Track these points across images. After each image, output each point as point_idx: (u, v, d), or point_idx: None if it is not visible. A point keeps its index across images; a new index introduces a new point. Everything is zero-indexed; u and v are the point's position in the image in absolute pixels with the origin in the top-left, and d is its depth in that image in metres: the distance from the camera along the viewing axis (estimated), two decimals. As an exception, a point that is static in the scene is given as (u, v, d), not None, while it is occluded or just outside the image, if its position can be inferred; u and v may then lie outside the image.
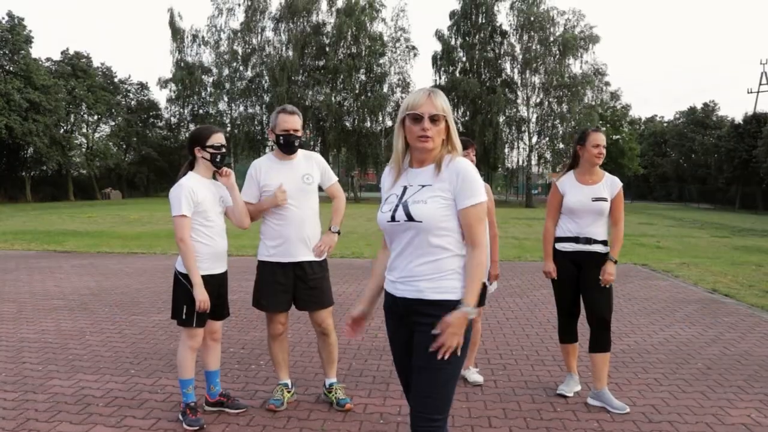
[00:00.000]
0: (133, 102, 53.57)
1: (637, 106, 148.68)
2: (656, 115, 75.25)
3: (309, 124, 49.08)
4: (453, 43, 48.79)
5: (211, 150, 3.92)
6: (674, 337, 6.23)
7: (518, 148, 50.47)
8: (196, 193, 3.85)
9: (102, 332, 6.26)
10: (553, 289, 4.49)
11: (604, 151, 4.29)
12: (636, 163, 54.18)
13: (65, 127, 44.51)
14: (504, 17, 73.22)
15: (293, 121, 4.08)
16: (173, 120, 52.05)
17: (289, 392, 4.31)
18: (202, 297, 3.78)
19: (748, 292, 8.96)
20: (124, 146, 52.20)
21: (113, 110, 47.95)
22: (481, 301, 4.66)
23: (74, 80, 43.58)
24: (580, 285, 4.32)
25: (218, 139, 3.93)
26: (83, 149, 46.14)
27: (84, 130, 47.01)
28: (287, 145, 4.10)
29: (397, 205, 2.48)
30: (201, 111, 50.47)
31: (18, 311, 7.22)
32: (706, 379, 4.89)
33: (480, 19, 47.83)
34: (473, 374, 4.74)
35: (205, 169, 3.98)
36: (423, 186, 2.47)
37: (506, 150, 49.37)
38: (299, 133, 4.11)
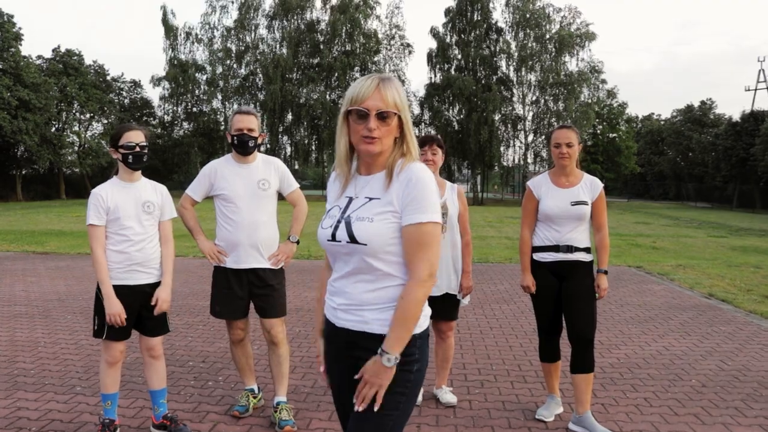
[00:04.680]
0: (126, 100, 53.04)
1: (634, 104, 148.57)
2: (653, 113, 75.02)
3: (303, 122, 48.76)
4: (448, 40, 48.56)
5: (123, 150, 3.57)
6: (667, 349, 5.83)
7: (514, 146, 50.29)
8: (107, 199, 3.56)
9: (57, 343, 5.86)
10: (532, 303, 4.08)
11: (567, 150, 3.84)
12: (633, 161, 53.86)
13: (57, 126, 44.00)
14: (499, 14, 73.25)
15: (247, 121, 3.91)
16: (167, 118, 51.58)
17: (255, 398, 4.18)
18: (111, 310, 3.50)
19: (746, 297, 8.58)
20: (117, 144, 51.63)
21: (106, 108, 47.42)
22: (453, 315, 4.28)
23: (66, 78, 43.11)
24: (561, 298, 3.90)
25: (131, 137, 3.56)
26: (75, 148, 45.63)
27: (76, 129, 46.50)
28: (241, 145, 3.90)
29: (339, 221, 2.03)
30: (195, 109, 50.20)
31: (-26, 319, 6.82)
32: (701, 398, 4.49)
33: (475, 16, 47.61)
34: (446, 394, 4.34)
35: (124, 171, 3.65)
36: (370, 199, 2.01)
37: (502, 148, 49.13)
38: (254, 133, 3.91)
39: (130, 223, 3.57)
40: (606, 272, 3.90)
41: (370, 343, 1.97)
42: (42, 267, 10.80)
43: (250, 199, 3.90)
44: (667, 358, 5.55)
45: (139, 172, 3.70)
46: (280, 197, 4.14)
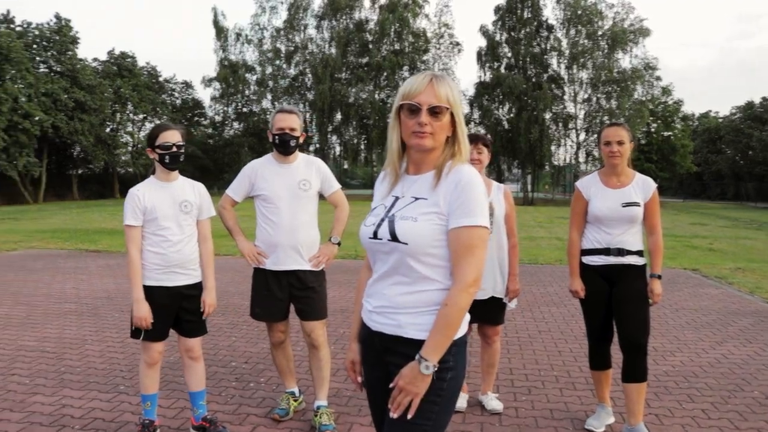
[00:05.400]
0: (177, 101, 54.11)
1: (690, 102, 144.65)
2: (710, 111, 72.90)
3: (352, 122, 48.93)
4: (498, 38, 48.04)
5: (159, 150, 3.53)
6: (726, 357, 5.56)
7: (565, 145, 49.47)
8: (144, 199, 3.52)
9: (103, 341, 5.92)
10: (582, 308, 3.91)
11: (618, 148, 3.65)
12: (689, 160, 52.37)
13: (111, 126, 45.19)
14: (550, 11, 72.01)
15: (290, 120, 3.82)
16: (217, 118, 52.38)
17: (296, 401, 4.12)
18: (138, 313, 3.47)
19: (810, 302, 8.16)
20: (170, 144, 52.73)
21: (158, 109, 48.47)
22: (498, 319, 4.13)
23: (120, 80, 44.23)
24: (612, 303, 3.72)
25: (167, 137, 3.52)
26: (129, 148, 46.77)
27: (129, 129, 47.68)
28: (282, 145, 3.83)
29: (382, 219, 1.98)
30: (245, 109, 50.81)
31: (27, 315, 6.96)
32: (765, 412, 4.23)
33: (525, 14, 46.99)
34: (492, 400, 4.20)
35: (161, 171, 3.61)
36: (417, 199, 1.96)
37: (552, 147, 48.40)
38: (296, 133, 3.83)
39: (168, 223, 3.53)
40: (660, 277, 3.70)
41: (405, 348, 1.92)
42: (93, 265, 11.01)
43: (290, 200, 3.82)
44: (726, 366, 5.29)
45: (177, 171, 3.66)
46: (322, 198, 4.07)
